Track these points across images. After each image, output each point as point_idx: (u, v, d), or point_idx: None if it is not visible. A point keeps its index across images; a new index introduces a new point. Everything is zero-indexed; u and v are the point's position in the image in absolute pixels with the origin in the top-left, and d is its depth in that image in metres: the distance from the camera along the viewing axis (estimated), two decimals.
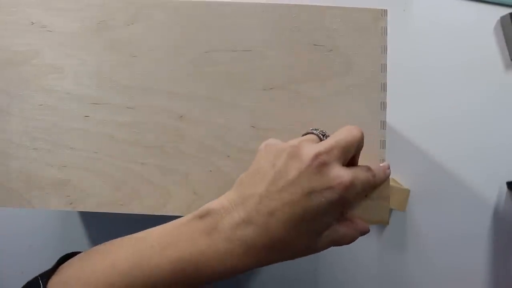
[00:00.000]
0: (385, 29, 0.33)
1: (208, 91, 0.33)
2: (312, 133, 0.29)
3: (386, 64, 0.33)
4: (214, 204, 0.28)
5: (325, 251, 0.28)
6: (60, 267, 0.31)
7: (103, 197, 0.34)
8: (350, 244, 0.30)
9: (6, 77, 0.34)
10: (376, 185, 0.30)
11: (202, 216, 0.27)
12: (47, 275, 0.30)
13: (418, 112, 0.56)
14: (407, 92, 0.56)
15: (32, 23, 0.34)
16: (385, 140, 0.33)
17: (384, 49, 0.33)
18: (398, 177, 0.55)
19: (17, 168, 0.34)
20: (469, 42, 0.56)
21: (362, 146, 0.29)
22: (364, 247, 0.55)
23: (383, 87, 0.33)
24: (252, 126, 0.33)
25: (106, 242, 0.31)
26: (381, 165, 0.31)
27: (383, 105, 0.33)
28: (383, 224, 0.32)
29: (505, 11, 0.56)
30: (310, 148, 0.26)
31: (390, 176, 0.34)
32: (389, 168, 0.31)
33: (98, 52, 0.34)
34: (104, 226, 0.55)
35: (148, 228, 0.29)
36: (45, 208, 0.34)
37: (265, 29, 0.33)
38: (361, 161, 0.31)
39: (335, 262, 0.55)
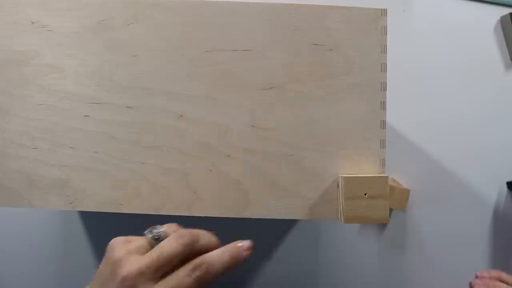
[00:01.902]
0: (385, 28, 0.33)
1: (208, 91, 0.33)
2: (146, 237, 0.29)
3: (386, 64, 0.33)
4: None
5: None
6: None
7: (103, 197, 0.34)
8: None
9: (6, 77, 0.34)
10: (216, 274, 0.27)
11: None
12: None
13: (418, 112, 0.56)
14: (407, 92, 0.56)
15: (32, 23, 0.34)
16: (385, 140, 0.33)
17: (384, 49, 0.33)
18: (398, 177, 0.55)
19: (17, 168, 0.34)
20: (469, 42, 0.56)
21: (200, 248, 0.28)
22: (364, 247, 0.55)
23: (383, 87, 0.33)
24: (252, 126, 0.33)
25: None
26: (239, 244, 0.29)
27: (383, 105, 0.33)
28: (383, 223, 0.31)
29: (505, 11, 0.56)
30: (125, 268, 0.26)
31: (390, 176, 0.34)
32: (247, 249, 0.29)
33: (98, 52, 0.34)
34: (104, 226, 0.54)
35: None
36: (45, 207, 0.34)
37: (265, 29, 0.33)
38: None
39: (334, 262, 0.55)
